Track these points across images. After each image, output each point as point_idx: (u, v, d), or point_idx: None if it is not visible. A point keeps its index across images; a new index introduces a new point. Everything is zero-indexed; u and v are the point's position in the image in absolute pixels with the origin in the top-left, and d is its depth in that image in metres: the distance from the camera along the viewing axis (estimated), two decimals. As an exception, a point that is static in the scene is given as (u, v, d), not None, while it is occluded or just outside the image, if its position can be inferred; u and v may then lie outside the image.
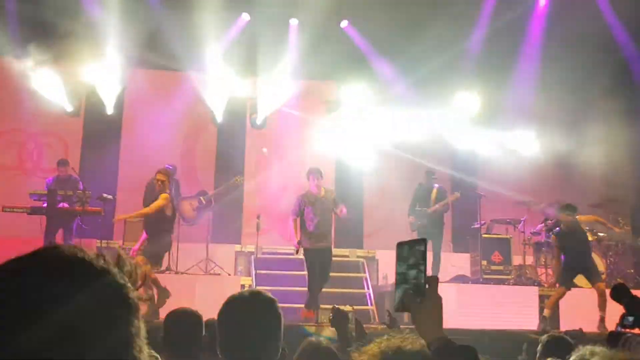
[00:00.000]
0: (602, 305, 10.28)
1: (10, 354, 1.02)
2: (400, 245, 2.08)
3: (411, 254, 2.05)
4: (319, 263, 10.59)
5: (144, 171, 12.79)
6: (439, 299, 1.98)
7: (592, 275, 10.76)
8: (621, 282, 8.83)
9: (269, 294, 2.89)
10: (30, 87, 13.62)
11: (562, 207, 10.95)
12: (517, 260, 12.92)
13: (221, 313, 2.78)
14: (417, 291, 1.99)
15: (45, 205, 11.62)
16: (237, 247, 13.28)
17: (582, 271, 10.85)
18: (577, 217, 10.97)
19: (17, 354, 1.02)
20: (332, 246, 12.54)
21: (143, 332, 1.16)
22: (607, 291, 10.27)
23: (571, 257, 10.80)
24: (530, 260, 13.04)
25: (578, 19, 12.76)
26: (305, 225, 10.62)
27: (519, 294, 11.56)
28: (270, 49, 14.10)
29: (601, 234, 12.63)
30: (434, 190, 12.39)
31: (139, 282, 1.19)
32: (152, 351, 3.10)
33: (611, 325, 8.88)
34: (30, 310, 1.05)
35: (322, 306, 10.65)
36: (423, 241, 2.06)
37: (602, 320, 10.15)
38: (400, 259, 2.07)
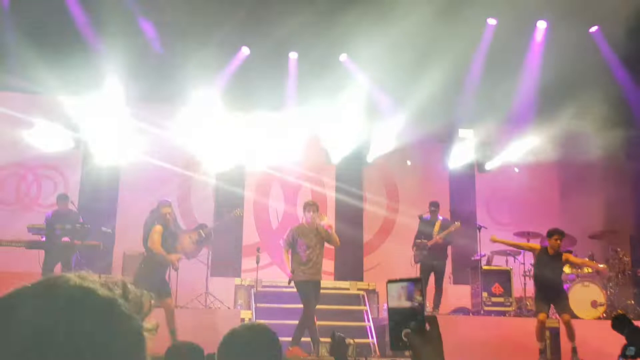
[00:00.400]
0: (571, 336, 10.32)
1: None
2: (391, 282, 2.08)
3: (405, 292, 2.04)
4: (312, 295, 10.53)
5: (143, 205, 12.81)
6: (440, 338, 1.98)
7: (559, 306, 10.73)
8: (622, 312, 8.81)
9: (269, 327, 2.89)
10: (30, 120, 13.69)
11: (551, 231, 10.93)
12: (517, 292, 12.88)
13: (221, 346, 2.77)
14: (417, 331, 1.98)
15: (43, 239, 11.60)
16: (237, 281, 13.22)
17: (552, 300, 10.82)
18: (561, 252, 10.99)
19: None
20: (333, 278, 12.55)
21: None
22: (573, 321, 10.37)
23: (544, 284, 10.81)
24: (531, 291, 13.01)
25: (574, 53, 12.85)
26: (298, 257, 10.58)
27: (520, 325, 11.51)
28: (269, 83, 14.19)
29: (601, 265, 12.62)
30: (437, 223, 12.39)
31: (145, 312, 1.19)
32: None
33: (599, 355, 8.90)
34: (35, 342, 1.03)
35: (322, 339, 10.60)
36: (418, 281, 2.06)
37: (574, 351, 10.17)
38: (392, 296, 2.06)
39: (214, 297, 12.06)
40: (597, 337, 10.31)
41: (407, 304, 2.02)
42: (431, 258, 12.12)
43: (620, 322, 5.85)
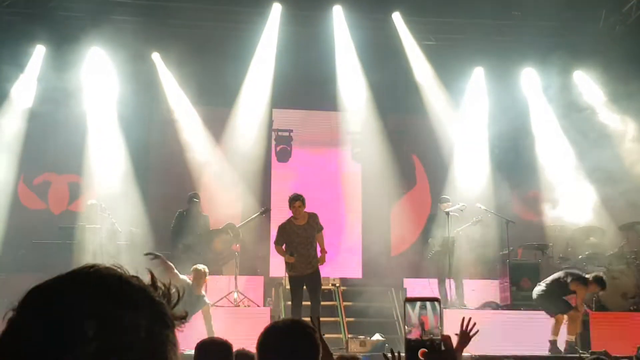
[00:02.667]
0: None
1: None
2: (409, 302, 2.11)
3: (425, 321, 2.07)
4: (308, 288, 10.55)
5: (171, 204, 12.95)
6: (454, 356, 2.01)
7: None
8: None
9: (308, 324, 2.94)
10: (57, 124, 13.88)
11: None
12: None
13: (261, 339, 2.83)
14: (433, 350, 2.02)
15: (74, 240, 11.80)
16: (266, 279, 13.30)
17: None
18: None
19: None
20: (361, 276, 12.53)
21: (179, 350, 1.20)
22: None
23: None
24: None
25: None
26: (288, 252, 10.60)
27: (549, 319, 11.44)
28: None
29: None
30: (449, 217, 12.37)
31: (174, 301, 1.23)
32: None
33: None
34: (72, 328, 1.08)
35: (349, 335, 10.67)
36: (437, 301, 2.09)
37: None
38: (411, 324, 2.10)
39: (243, 295, 12.11)
40: (628, 330, 10.25)
41: (426, 336, 2.06)
42: (444, 253, 12.14)
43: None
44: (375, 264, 14.16)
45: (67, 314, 1.10)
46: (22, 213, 13.89)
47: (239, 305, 11.82)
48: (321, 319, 10.74)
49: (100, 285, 1.14)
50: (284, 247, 10.70)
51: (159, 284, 1.22)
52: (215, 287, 11.92)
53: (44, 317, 1.10)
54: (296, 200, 10.61)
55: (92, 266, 1.18)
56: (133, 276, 1.19)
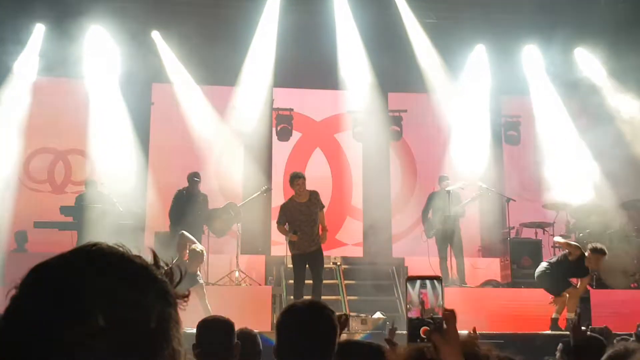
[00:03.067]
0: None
1: (56, 346, 1.07)
2: (410, 280, 2.11)
3: (426, 299, 2.07)
4: (310, 266, 10.57)
5: (172, 183, 12.92)
6: (457, 334, 2.02)
7: None
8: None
9: (327, 305, 2.96)
10: (58, 102, 13.84)
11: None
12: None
13: (280, 319, 2.85)
14: (435, 328, 2.02)
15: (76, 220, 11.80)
16: (267, 258, 13.31)
17: None
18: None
19: (62, 345, 1.07)
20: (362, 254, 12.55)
21: (182, 327, 1.21)
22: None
23: None
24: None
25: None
26: (291, 231, 10.61)
27: (549, 297, 11.47)
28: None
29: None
30: (450, 195, 12.36)
31: (176, 280, 1.23)
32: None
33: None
34: (75, 305, 1.08)
35: (351, 313, 10.69)
36: (439, 280, 2.10)
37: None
38: (412, 301, 2.10)
39: (244, 274, 12.14)
40: (628, 307, 10.28)
41: (427, 315, 2.06)
42: (446, 232, 12.15)
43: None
44: (377, 242, 14.17)
45: (70, 291, 1.10)
46: (24, 191, 13.90)
47: (240, 284, 11.85)
48: (322, 297, 10.88)
49: (103, 263, 1.14)
50: (286, 226, 10.70)
51: (161, 263, 1.22)
52: (216, 267, 11.95)
53: (47, 294, 1.10)
54: (298, 178, 10.63)
55: (94, 244, 1.18)
56: (135, 255, 1.20)
